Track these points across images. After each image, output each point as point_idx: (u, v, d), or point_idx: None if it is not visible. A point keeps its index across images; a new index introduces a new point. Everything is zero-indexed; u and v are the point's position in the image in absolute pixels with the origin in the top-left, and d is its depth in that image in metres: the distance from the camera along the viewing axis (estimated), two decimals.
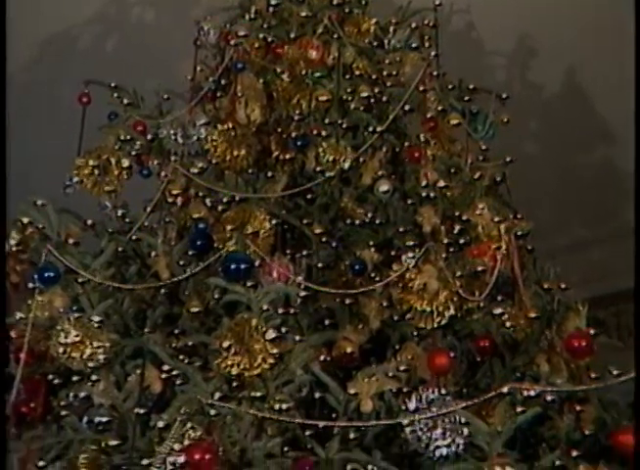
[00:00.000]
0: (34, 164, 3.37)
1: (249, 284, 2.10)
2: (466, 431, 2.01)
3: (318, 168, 2.53)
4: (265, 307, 2.08)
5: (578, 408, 2.23)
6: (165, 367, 2.16)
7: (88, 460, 2.14)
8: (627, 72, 3.61)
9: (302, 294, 2.27)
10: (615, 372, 2.15)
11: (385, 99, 2.72)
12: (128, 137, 2.65)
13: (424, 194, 2.47)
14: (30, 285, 2.23)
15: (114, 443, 2.13)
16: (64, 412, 2.24)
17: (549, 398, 2.17)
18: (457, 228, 2.48)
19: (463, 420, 2.01)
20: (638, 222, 2.83)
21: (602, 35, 3.60)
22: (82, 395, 2.20)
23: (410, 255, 2.26)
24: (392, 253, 2.43)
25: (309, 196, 2.56)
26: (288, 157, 2.62)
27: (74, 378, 2.24)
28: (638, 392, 2.01)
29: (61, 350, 2.16)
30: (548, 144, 3.86)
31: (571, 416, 2.23)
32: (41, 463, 2.18)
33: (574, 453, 2.11)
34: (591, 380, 2.23)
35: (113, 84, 2.79)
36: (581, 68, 3.80)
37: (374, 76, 2.77)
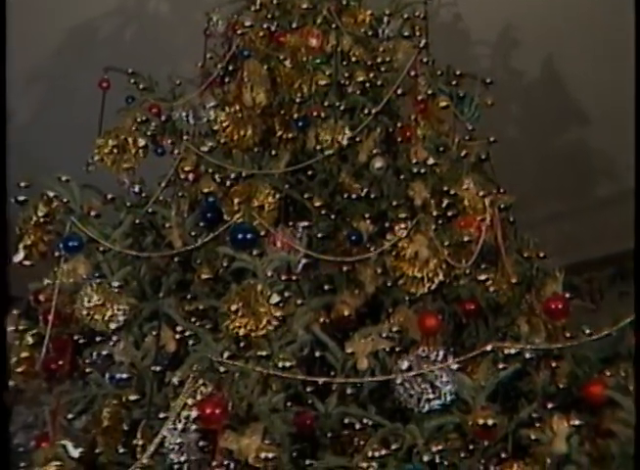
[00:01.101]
0: (59, 145, 3.36)
1: (254, 252, 2.10)
2: (452, 386, 2.01)
3: (318, 147, 2.51)
4: (270, 274, 2.07)
5: (554, 364, 2.23)
6: (179, 329, 2.17)
7: (110, 414, 2.15)
8: (600, 60, 3.60)
9: (304, 262, 2.27)
10: (587, 331, 2.19)
11: (379, 83, 2.70)
12: (144, 119, 2.63)
13: (415, 170, 2.46)
14: (56, 254, 2.23)
15: (133, 397, 2.13)
16: (88, 369, 2.25)
17: (528, 355, 2.17)
18: (445, 202, 2.47)
19: (450, 376, 2.01)
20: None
21: (578, 27, 3.57)
22: (104, 353, 2.21)
23: (402, 226, 2.26)
24: (386, 224, 2.42)
25: (310, 172, 2.55)
26: (290, 136, 2.61)
27: (97, 338, 2.25)
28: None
29: (84, 312, 2.17)
30: (528, 125, 3.86)
31: (548, 372, 2.23)
32: (69, 416, 2.19)
33: (550, 405, 2.12)
34: (566, 339, 2.23)
35: (130, 71, 2.78)
36: (558, 56, 3.78)
37: (369, 63, 2.74)
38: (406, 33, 2.80)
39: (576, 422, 2.01)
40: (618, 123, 3.80)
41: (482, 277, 2.36)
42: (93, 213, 2.28)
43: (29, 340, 2.35)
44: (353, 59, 2.72)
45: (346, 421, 2.06)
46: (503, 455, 2.01)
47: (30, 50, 3.66)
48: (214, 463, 1.86)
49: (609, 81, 3.71)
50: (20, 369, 2.34)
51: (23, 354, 2.34)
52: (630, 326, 2.17)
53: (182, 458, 1.91)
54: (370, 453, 1.91)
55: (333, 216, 2.50)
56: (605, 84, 3.72)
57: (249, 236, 2.12)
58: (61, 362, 2.28)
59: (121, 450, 2.11)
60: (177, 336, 2.17)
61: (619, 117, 3.76)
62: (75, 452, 2.10)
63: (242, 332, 2.00)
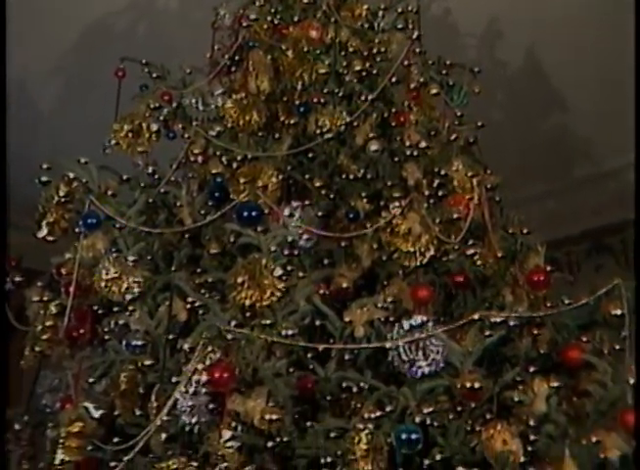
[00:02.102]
0: (78, 130, 3.33)
1: (259, 229, 2.09)
2: (442, 353, 2.00)
3: (318, 131, 2.47)
4: (273, 249, 2.06)
5: (536, 331, 2.22)
6: (190, 299, 2.15)
7: (127, 378, 2.14)
8: (580, 50, 3.57)
9: (305, 237, 2.24)
10: (566, 301, 2.19)
11: (375, 72, 2.65)
12: (157, 105, 2.60)
13: (408, 153, 2.43)
14: (76, 230, 2.24)
15: (148, 363, 2.12)
16: (107, 337, 2.24)
17: (512, 323, 2.15)
18: (436, 182, 2.44)
19: (440, 344, 1.99)
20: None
21: (558, 19, 3.54)
22: (121, 322, 2.19)
23: (396, 204, 2.23)
24: (381, 203, 2.39)
25: (310, 154, 2.51)
26: (292, 121, 2.57)
27: (115, 308, 2.24)
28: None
29: (103, 284, 2.16)
30: (512, 111, 3.84)
31: (530, 338, 2.23)
32: (90, 380, 2.19)
33: (531, 369, 2.12)
34: (547, 308, 2.22)
35: (143, 61, 2.74)
36: (540, 48, 3.75)
37: (365, 53, 2.70)
38: (400, 26, 2.76)
39: (555, 384, 2.03)
40: (597, 110, 3.80)
41: (470, 252, 2.34)
42: (110, 193, 2.27)
43: (53, 310, 2.35)
44: (351, 49, 2.68)
45: (344, 385, 2.04)
46: (488, 416, 2.01)
47: (52, 44, 3.66)
48: (223, 424, 1.85)
49: (588, 71, 3.69)
50: (44, 337, 2.35)
51: (48, 323, 2.35)
52: (605, 296, 2.18)
53: (193, 420, 1.90)
54: (366, 415, 1.90)
55: (332, 196, 2.47)
56: (584, 73, 3.70)
57: (254, 214, 2.12)
58: (82, 330, 2.28)
59: (138, 412, 2.10)
60: (188, 306, 2.15)
61: (598, 104, 3.77)
62: (96, 414, 2.12)
63: (247, 302, 2.00)
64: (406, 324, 2.00)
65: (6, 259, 2.42)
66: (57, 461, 2.02)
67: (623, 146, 3.91)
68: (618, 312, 2.15)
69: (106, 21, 3.69)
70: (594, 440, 1.95)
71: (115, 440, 2.04)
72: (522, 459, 1.93)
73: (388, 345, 1.99)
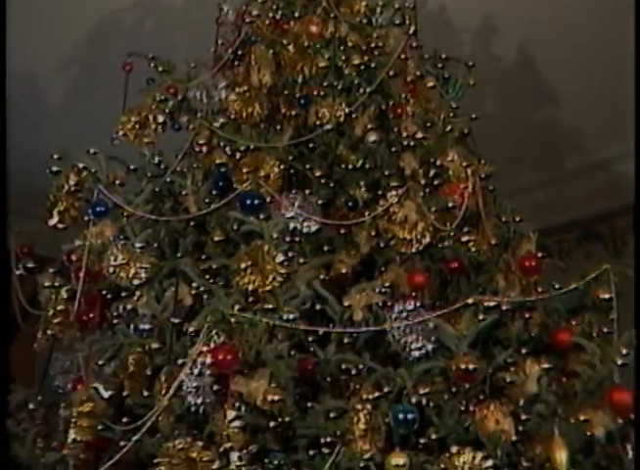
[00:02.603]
0: (87, 123, 3.31)
1: (261, 217, 2.08)
2: (437, 335, 1.99)
3: (318, 122, 2.45)
4: (275, 236, 2.05)
5: (527, 315, 2.21)
6: (195, 285, 2.14)
7: (135, 360, 2.12)
8: (570, 45, 3.55)
9: (306, 225, 2.23)
10: (556, 286, 2.19)
11: (373, 66, 2.62)
12: (163, 98, 2.56)
13: (405, 143, 2.41)
14: (86, 218, 2.22)
15: (155, 346, 2.11)
16: (115, 321, 2.22)
17: (504, 307, 2.14)
18: (432, 171, 2.42)
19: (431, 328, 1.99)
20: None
21: (550, 16, 3.52)
22: (129, 307, 2.18)
23: (394, 193, 2.23)
24: (379, 191, 2.37)
25: (311, 145, 2.49)
26: (293, 113, 2.55)
27: (123, 293, 2.22)
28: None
29: (111, 270, 2.15)
30: (505, 104, 3.81)
31: (521, 322, 2.21)
32: (100, 362, 2.17)
33: (523, 351, 2.11)
34: (538, 292, 2.21)
35: (150, 55, 2.70)
36: (532, 43, 3.72)
37: (364, 47, 2.66)
38: (397, 21, 2.73)
39: (546, 365, 2.02)
40: (586, 103, 3.77)
41: (465, 239, 2.33)
42: (118, 182, 2.26)
43: (64, 295, 2.34)
44: (350, 44, 2.65)
45: (344, 367, 2.03)
46: (482, 396, 2.00)
47: (61, 41, 3.63)
48: (227, 404, 1.84)
49: (579, 65, 3.66)
50: (56, 320, 2.34)
51: (59, 307, 2.33)
52: (595, 281, 2.18)
53: (198, 400, 1.88)
54: (365, 396, 1.89)
55: (331, 185, 2.45)
56: (573, 67, 3.67)
57: (256, 202, 2.11)
58: (91, 315, 2.26)
59: (145, 393, 2.09)
60: (193, 291, 2.14)
61: (587, 97, 3.74)
62: (106, 394, 2.12)
63: (250, 287, 1.99)
64: (403, 308, 1.99)
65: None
66: (69, 440, 2.01)
67: (612, 138, 3.92)
68: (607, 296, 2.16)
69: (113, 17, 3.65)
70: (582, 418, 1.95)
71: (124, 420, 2.03)
72: (513, 438, 1.93)
73: (385, 328, 1.99)
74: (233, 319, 1.91)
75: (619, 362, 1.99)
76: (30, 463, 2.10)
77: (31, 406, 2.38)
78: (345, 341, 2.07)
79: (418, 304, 2.03)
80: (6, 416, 2.12)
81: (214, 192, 2.35)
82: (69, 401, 2.08)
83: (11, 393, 2.42)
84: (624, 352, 2.00)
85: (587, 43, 3.55)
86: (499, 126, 3.67)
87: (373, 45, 2.67)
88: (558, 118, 3.98)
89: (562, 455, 1.87)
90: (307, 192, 2.31)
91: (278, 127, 2.51)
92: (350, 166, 2.45)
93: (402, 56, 2.58)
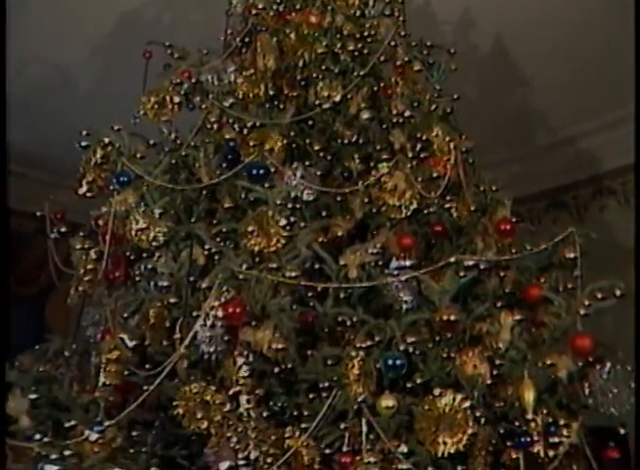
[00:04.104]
0: (113, 104, 3.23)
1: (267, 185, 2.03)
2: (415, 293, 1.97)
3: (317, 102, 2.39)
4: (279, 202, 2.00)
5: (502, 273, 2.18)
6: (207, 246, 2.09)
7: (155, 313, 2.08)
8: (540, 36, 3.47)
9: (306, 193, 2.17)
10: (528, 247, 2.15)
11: (366, 52, 2.54)
12: (178, 81, 2.49)
13: (394, 120, 2.35)
14: (111, 187, 2.17)
15: (172, 301, 2.05)
16: (138, 279, 2.18)
17: (482, 266, 2.10)
18: (419, 146, 2.36)
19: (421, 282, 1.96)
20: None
21: (522, 9, 3.42)
22: (150, 266, 2.13)
23: (384, 164, 2.19)
24: (372, 163, 2.31)
25: (310, 122, 2.41)
26: (294, 93, 2.47)
27: (144, 254, 2.17)
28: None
29: (133, 233, 2.10)
30: (483, 87, 3.74)
31: (497, 279, 2.18)
32: (125, 315, 2.14)
33: (499, 304, 2.08)
34: (512, 253, 2.17)
35: (167, 44, 2.62)
36: (506, 33, 3.64)
37: (358, 36, 2.58)
38: (387, 13, 2.65)
39: (518, 317, 2.00)
40: (553, 87, 3.71)
41: (448, 205, 2.28)
42: (139, 156, 2.20)
43: (93, 256, 2.30)
44: (345, 33, 2.57)
45: (340, 319, 1.99)
46: (461, 344, 1.98)
47: (91, 32, 3.56)
48: (236, 352, 1.81)
49: (546, 54, 3.59)
50: (86, 278, 2.30)
51: (89, 267, 2.29)
52: (562, 243, 2.16)
53: (211, 349, 1.84)
54: (358, 344, 1.85)
55: (329, 158, 2.38)
56: (543, 56, 3.60)
57: (261, 172, 2.05)
58: (117, 273, 2.21)
59: (165, 343, 2.05)
60: (206, 252, 2.09)
61: (554, 82, 3.68)
62: (130, 344, 2.07)
63: (256, 249, 1.96)
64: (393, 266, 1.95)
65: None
66: (100, 383, 1.98)
67: (576, 118, 3.86)
68: (572, 256, 2.13)
69: (135, 12, 3.58)
70: (549, 362, 1.94)
71: (147, 366, 1.99)
72: (489, 381, 1.92)
73: (377, 284, 1.96)
74: (241, 277, 1.88)
75: (582, 312, 1.97)
76: (68, 404, 2.05)
77: (67, 354, 2.34)
78: (341, 296, 2.03)
79: (406, 262, 2.00)
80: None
81: (224, 164, 2.29)
82: (99, 350, 2.04)
83: (49, 342, 2.37)
84: (587, 303, 1.98)
85: (556, 36, 3.50)
86: (478, 107, 3.60)
87: (366, 34, 2.60)
88: (529, 101, 3.93)
89: (530, 395, 1.87)
90: (307, 164, 2.26)
91: (281, 106, 2.44)
92: (346, 141, 2.38)
93: (392, 43, 2.53)
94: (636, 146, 2.87)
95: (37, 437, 1.89)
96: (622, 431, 2.00)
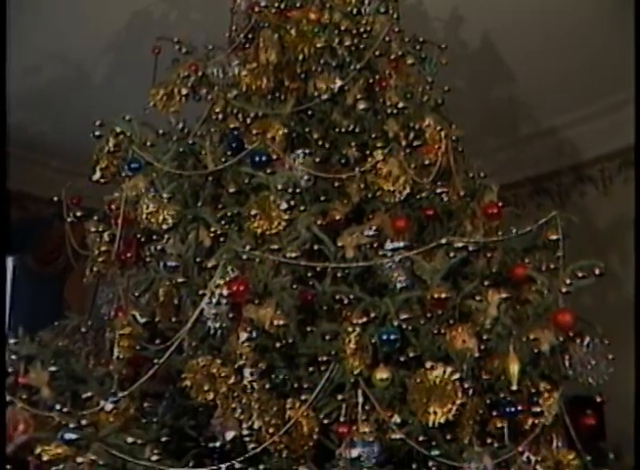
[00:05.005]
0: (126, 95, 3.18)
1: (268, 172, 2.00)
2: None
3: (316, 93, 2.34)
4: (280, 187, 1.97)
5: (489, 254, 2.14)
6: (213, 229, 2.05)
7: (165, 292, 2.06)
8: (525, 33, 3.41)
9: (306, 178, 2.14)
10: (513, 230, 2.12)
11: (362, 47, 2.48)
12: (186, 74, 2.43)
13: (389, 111, 2.30)
14: (123, 174, 2.14)
15: (180, 280, 2.02)
16: (148, 259, 2.15)
17: (471, 247, 2.07)
18: (412, 134, 2.31)
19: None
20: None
21: (509, 7, 3.34)
22: (159, 247, 2.10)
23: (379, 152, 2.15)
24: (367, 151, 2.26)
25: (310, 112, 2.37)
26: (295, 86, 2.42)
27: (154, 236, 2.14)
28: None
29: (144, 217, 2.06)
30: (471, 80, 3.66)
31: (485, 259, 2.14)
32: (136, 293, 2.11)
33: (486, 283, 2.05)
34: (498, 235, 2.14)
35: (175, 39, 2.55)
36: (493, 31, 3.56)
37: (354, 31, 2.52)
38: (382, 11, 2.58)
39: (504, 295, 1.98)
40: (537, 81, 3.65)
41: (439, 190, 2.24)
42: (149, 144, 2.16)
43: (106, 238, 2.27)
44: (342, 29, 2.49)
45: (337, 297, 1.96)
46: (451, 320, 1.96)
47: (104, 29, 3.48)
48: (240, 328, 1.78)
49: (530, 50, 3.53)
50: (100, 259, 2.28)
51: (103, 249, 2.27)
52: (545, 226, 2.12)
53: (217, 325, 1.81)
54: (355, 321, 1.82)
55: (327, 145, 2.33)
56: (527, 51, 3.54)
57: (264, 159, 2.02)
58: (129, 254, 2.19)
59: (173, 319, 2.03)
60: (211, 234, 2.06)
61: (538, 76, 3.62)
62: (142, 320, 2.04)
63: (259, 231, 1.93)
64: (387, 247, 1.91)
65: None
66: (114, 357, 1.96)
67: (558, 110, 3.81)
68: (554, 238, 2.11)
69: (145, 10, 3.50)
70: (532, 337, 1.93)
71: (157, 341, 1.98)
72: (476, 354, 1.90)
73: (372, 264, 1.93)
74: (245, 257, 1.85)
75: (564, 290, 1.96)
76: (84, 376, 2.03)
77: (83, 330, 2.33)
78: (339, 275, 2.00)
79: (400, 244, 1.97)
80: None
81: (229, 151, 2.23)
82: (113, 326, 2.03)
83: (68, 319, 2.36)
84: (568, 282, 1.97)
85: (539, 33, 3.41)
86: (467, 99, 3.55)
87: (362, 30, 2.54)
88: (514, 94, 3.87)
89: (514, 368, 1.87)
90: (307, 151, 2.21)
91: (282, 97, 2.40)
92: (343, 130, 2.34)
93: (386, 39, 2.48)
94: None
95: (57, 407, 1.86)
96: (599, 399, 2.01)
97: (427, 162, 2.23)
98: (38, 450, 1.77)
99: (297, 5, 2.55)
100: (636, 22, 2.82)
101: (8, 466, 1.94)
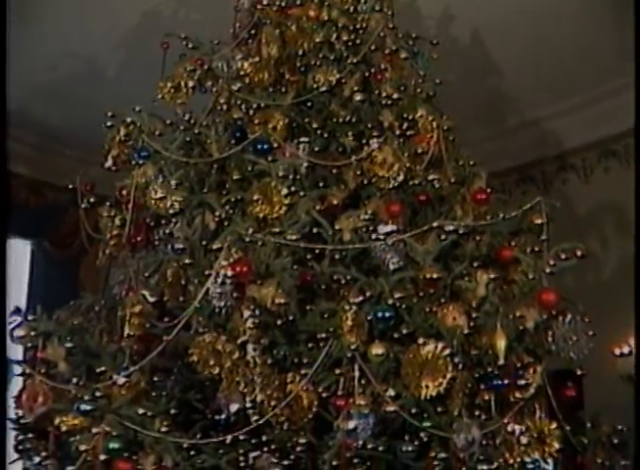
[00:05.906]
0: (135, 88, 3.13)
1: (270, 159, 1.97)
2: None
3: (315, 86, 2.31)
4: (281, 174, 1.94)
5: (478, 237, 2.11)
6: (217, 213, 2.02)
7: (173, 273, 2.03)
8: (512, 30, 3.35)
9: (305, 166, 2.11)
10: (501, 215, 2.10)
11: (358, 42, 2.45)
12: (192, 68, 2.40)
13: (384, 102, 2.27)
14: (133, 161, 2.11)
15: (187, 261, 1.99)
16: (157, 242, 2.12)
17: (461, 231, 2.04)
18: (405, 124, 2.27)
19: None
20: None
21: (498, 5, 3.28)
22: (167, 231, 2.07)
23: (375, 141, 2.12)
24: (363, 140, 2.23)
25: (309, 103, 2.33)
26: (295, 78, 2.39)
27: (162, 220, 2.11)
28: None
29: (153, 202, 2.03)
30: (461, 74, 3.59)
31: (474, 242, 2.12)
32: (146, 274, 2.07)
33: (475, 264, 2.04)
34: (487, 219, 2.12)
35: (183, 35, 2.51)
36: (483, 27, 3.50)
37: (351, 28, 2.48)
38: (377, 8, 2.54)
39: (492, 275, 1.97)
40: (523, 75, 3.60)
41: (431, 177, 2.21)
42: (157, 133, 2.13)
43: (117, 222, 2.25)
44: (340, 25, 2.46)
45: (335, 277, 1.94)
46: (443, 299, 1.94)
47: (116, 27, 3.42)
48: (243, 307, 1.76)
49: (516, 46, 3.47)
50: (112, 242, 2.26)
51: (114, 232, 2.25)
52: (530, 211, 2.11)
53: (221, 303, 1.79)
54: (351, 299, 1.80)
55: (325, 135, 2.29)
56: (513, 48, 3.48)
57: (266, 147, 2.00)
58: (139, 238, 2.15)
59: (181, 298, 2.00)
60: (216, 218, 2.03)
61: (524, 71, 3.57)
62: (151, 299, 2.01)
63: (261, 215, 1.91)
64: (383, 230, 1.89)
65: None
66: (125, 334, 1.94)
67: (543, 102, 3.76)
68: (539, 222, 2.10)
69: (154, 9, 3.44)
70: (518, 314, 1.92)
71: (165, 319, 1.95)
72: (466, 331, 1.89)
73: (368, 246, 1.91)
74: (248, 240, 1.83)
75: (548, 271, 1.95)
76: (98, 351, 2.02)
77: (97, 308, 2.30)
78: (337, 257, 1.98)
79: (394, 227, 1.94)
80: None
81: (233, 140, 2.20)
82: (124, 305, 2.00)
83: (82, 298, 2.34)
84: (552, 263, 1.96)
85: (526, 31, 3.35)
86: (457, 91, 3.48)
87: (358, 26, 2.50)
88: (501, 87, 3.82)
89: (501, 343, 1.86)
90: (306, 140, 2.19)
91: (283, 90, 2.36)
92: (340, 120, 2.30)
93: (381, 34, 2.44)
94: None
95: (74, 380, 1.86)
96: (579, 372, 2.01)
97: (420, 150, 2.20)
98: (57, 421, 1.77)
99: (298, 3, 2.52)
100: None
101: (30, 435, 1.93)
